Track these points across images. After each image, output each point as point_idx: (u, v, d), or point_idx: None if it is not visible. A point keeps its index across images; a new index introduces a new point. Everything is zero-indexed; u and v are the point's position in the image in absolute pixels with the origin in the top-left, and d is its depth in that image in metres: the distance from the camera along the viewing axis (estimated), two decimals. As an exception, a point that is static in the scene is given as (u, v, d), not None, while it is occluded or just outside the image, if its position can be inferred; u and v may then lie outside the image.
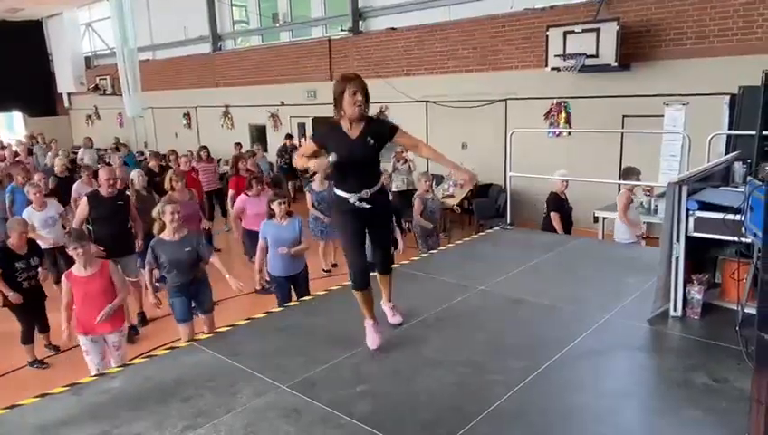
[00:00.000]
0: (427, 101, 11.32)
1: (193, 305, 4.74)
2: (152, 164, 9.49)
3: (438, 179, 10.41)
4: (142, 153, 15.60)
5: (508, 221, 6.60)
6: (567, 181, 6.74)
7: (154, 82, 16.76)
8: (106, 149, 14.23)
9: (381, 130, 3.33)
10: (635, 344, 3.47)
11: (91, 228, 5.74)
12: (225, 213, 10.02)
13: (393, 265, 3.79)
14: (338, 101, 3.20)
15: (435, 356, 3.32)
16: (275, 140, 14.54)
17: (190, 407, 2.89)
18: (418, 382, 3.05)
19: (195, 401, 2.94)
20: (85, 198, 5.75)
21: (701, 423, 2.64)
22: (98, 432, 2.70)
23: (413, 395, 2.90)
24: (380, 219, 3.47)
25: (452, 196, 9.78)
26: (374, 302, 3.53)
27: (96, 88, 19.03)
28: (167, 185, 6.65)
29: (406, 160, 10.36)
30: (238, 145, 12.64)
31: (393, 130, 3.36)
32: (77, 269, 4.32)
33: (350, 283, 3.48)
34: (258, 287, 5.57)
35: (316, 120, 13.52)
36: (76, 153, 14.67)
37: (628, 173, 6.35)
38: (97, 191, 5.87)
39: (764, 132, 3.92)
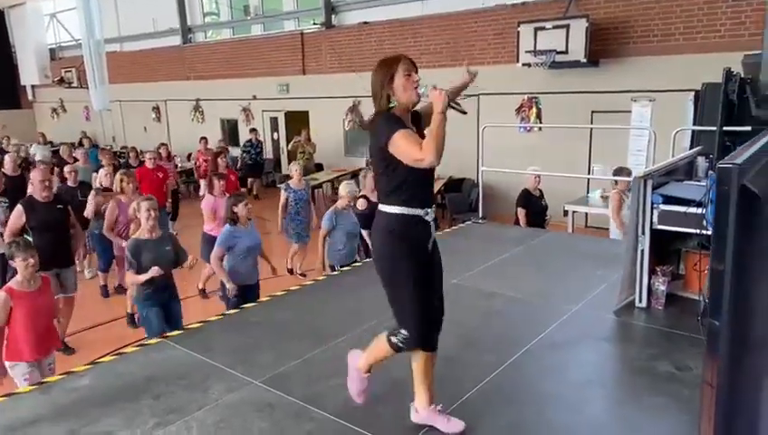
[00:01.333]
0: (400, 96, 11.33)
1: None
2: (104, 163, 8.28)
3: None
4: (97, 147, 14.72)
5: (480, 215, 6.68)
6: (539, 177, 6.82)
7: (122, 75, 16.42)
8: (60, 145, 13.25)
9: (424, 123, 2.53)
10: (601, 335, 3.56)
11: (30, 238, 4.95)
12: (175, 216, 9.40)
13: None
14: (380, 92, 2.42)
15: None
16: (247, 134, 14.43)
17: (161, 404, 2.86)
18: (391, 376, 3.07)
19: (166, 398, 2.92)
20: (19, 206, 5.08)
21: (664, 410, 2.73)
22: (66, 431, 2.66)
23: (385, 388, 2.92)
24: (440, 256, 2.56)
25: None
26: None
27: (61, 80, 18.52)
28: (116, 186, 6.07)
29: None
30: (203, 139, 12.12)
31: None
32: (20, 284, 3.67)
33: (403, 341, 2.46)
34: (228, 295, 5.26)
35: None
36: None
37: (619, 173, 6.30)
38: (31, 196, 5.18)
39: (725, 128, 4.05)
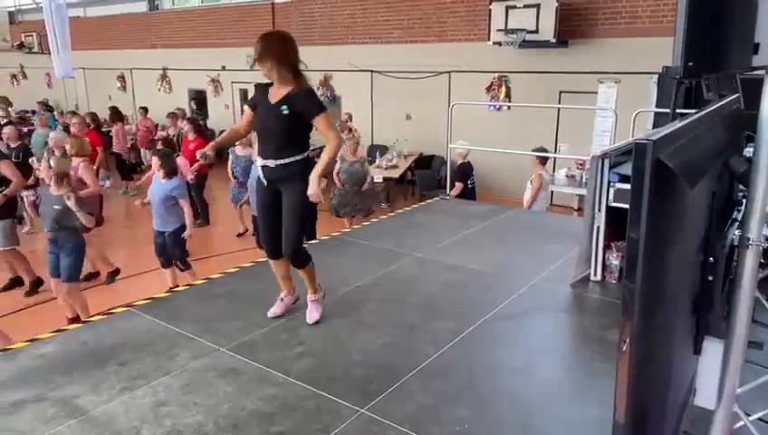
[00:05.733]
0: (372, 71, 11.30)
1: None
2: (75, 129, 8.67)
3: (382, 150, 10.50)
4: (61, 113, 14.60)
5: (448, 191, 6.80)
6: (467, 152, 7.34)
7: (86, 42, 15.89)
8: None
9: (303, 105, 3.08)
10: (557, 306, 3.73)
11: None
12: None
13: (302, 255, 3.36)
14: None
15: (370, 319, 3.46)
16: (217, 106, 14.24)
17: (127, 370, 2.91)
18: (353, 343, 3.18)
19: (132, 365, 2.96)
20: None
21: (611, 373, 2.89)
22: (33, 396, 2.69)
23: (347, 355, 3.03)
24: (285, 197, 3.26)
25: (395, 166, 9.91)
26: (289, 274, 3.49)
27: (21, 45, 17.84)
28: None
29: (350, 130, 10.36)
30: (143, 109, 12.45)
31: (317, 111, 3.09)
32: None
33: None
34: None
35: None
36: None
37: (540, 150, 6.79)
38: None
39: (679, 111, 4.21)
